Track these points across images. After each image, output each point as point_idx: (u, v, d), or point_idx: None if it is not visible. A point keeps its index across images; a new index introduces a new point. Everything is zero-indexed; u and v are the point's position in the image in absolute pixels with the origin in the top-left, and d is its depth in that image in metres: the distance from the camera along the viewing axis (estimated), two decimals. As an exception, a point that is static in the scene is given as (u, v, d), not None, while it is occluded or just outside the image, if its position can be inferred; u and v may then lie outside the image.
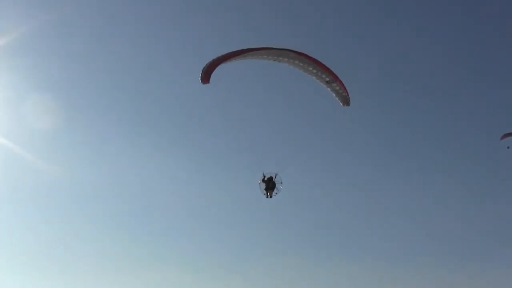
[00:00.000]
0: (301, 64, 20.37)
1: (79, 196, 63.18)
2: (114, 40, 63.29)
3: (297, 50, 20.06)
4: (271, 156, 22.44)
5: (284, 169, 22.08)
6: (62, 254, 59.80)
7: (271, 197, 21.99)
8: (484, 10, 64.41)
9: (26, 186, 61.88)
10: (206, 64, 19.90)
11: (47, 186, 61.43)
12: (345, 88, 21.14)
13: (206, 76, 19.78)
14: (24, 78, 58.88)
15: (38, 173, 57.61)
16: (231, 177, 62.91)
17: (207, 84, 20.19)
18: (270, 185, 21.93)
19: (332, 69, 20.65)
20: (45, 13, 50.47)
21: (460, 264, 57.47)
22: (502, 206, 60.21)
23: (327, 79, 20.87)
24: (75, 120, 63.95)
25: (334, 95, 21.53)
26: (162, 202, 65.63)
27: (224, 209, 62.73)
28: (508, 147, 46.58)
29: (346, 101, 21.59)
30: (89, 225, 62.70)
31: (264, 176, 21.96)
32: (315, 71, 20.57)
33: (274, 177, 21.98)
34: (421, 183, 62.89)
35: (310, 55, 20.20)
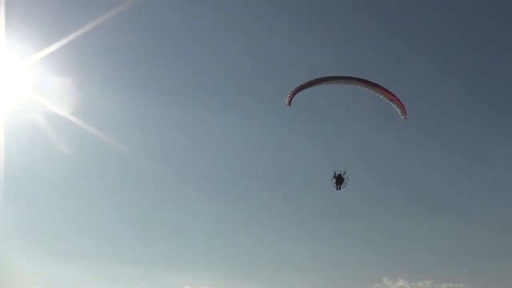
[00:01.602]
0: (370, 87, 25.59)
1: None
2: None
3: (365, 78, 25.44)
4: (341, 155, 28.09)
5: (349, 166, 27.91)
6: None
7: (339, 189, 27.91)
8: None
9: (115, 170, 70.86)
10: (292, 91, 25.64)
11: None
12: (403, 106, 26.20)
13: (289, 100, 25.74)
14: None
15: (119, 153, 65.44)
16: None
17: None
18: (339, 180, 27.78)
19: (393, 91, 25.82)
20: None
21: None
22: None
23: (389, 98, 26.01)
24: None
25: (396, 109, 26.64)
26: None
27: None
28: None
29: (404, 114, 26.67)
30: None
31: (335, 173, 27.79)
32: (380, 92, 25.78)
33: (342, 173, 27.77)
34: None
35: (377, 82, 25.45)
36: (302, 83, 25.51)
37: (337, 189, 27.90)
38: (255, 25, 71.90)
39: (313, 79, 25.35)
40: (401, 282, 64.55)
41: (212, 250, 69.39)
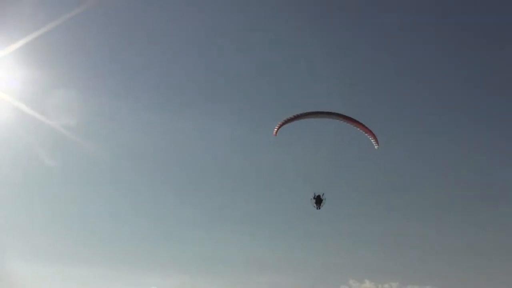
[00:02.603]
0: (349, 122, 29.06)
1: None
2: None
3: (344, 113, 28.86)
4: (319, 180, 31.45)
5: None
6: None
7: (319, 208, 31.38)
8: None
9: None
10: (279, 123, 28.72)
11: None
12: (375, 137, 29.82)
13: (276, 131, 28.89)
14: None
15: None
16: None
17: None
18: (318, 200, 31.23)
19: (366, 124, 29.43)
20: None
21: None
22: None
23: (364, 131, 29.54)
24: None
25: (371, 140, 30.21)
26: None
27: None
28: None
29: (377, 144, 30.29)
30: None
31: (314, 194, 31.22)
32: (356, 126, 29.27)
33: (321, 195, 31.22)
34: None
35: (354, 117, 28.88)
36: (289, 117, 28.67)
37: (317, 208, 31.35)
38: (235, 28, 74.53)
39: (299, 113, 28.54)
40: (367, 284, 66.76)
41: (182, 252, 71.07)
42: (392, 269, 69.22)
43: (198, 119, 75.76)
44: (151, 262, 67.66)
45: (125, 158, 72.73)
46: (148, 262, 67.69)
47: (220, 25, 74.84)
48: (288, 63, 76.79)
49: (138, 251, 68.16)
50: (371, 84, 79.13)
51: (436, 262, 69.35)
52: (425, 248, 71.58)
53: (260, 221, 76.13)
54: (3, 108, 55.77)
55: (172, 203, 74.30)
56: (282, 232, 73.55)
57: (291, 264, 70.69)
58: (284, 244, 72.38)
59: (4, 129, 59.24)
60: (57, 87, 62.18)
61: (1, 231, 61.50)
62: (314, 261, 70.97)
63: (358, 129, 29.54)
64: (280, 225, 74.55)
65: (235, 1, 71.07)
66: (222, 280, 68.57)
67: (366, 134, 29.89)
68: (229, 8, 71.45)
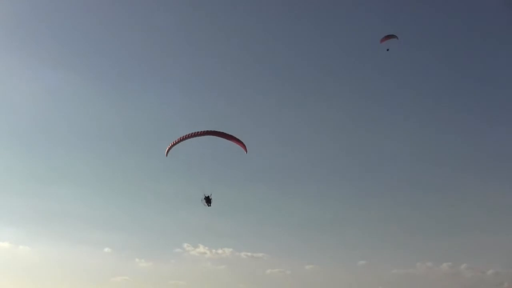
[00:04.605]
0: (222, 136, 37.96)
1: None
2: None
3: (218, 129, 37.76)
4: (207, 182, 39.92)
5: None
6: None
7: (210, 206, 39.92)
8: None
9: None
10: (169, 145, 36.88)
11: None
12: (244, 146, 39.03)
13: (167, 152, 36.96)
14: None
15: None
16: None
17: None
18: (207, 200, 39.83)
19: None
20: None
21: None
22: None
23: (235, 142, 38.72)
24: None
25: (241, 147, 39.36)
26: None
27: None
28: (387, 50, 55.24)
29: (245, 151, 39.57)
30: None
31: (204, 195, 39.75)
32: (229, 139, 38.35)
33: (210, 195, 39.84)
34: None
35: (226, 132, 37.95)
36: (175, 140, 36.95)
37: (208, 206, 39.85)
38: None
39: (183, 136, 36.87)
40: (201, 248, 73.49)
41: (18, 205, 75.50)
42: (226, 236, 75.32)
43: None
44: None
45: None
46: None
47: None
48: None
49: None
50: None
51: (269, 232, 77.74)
52: (260, 218, 78.87)
53: (103, 178, 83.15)
54: None
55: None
56: (124, 192, 76.65)
57: (128, 224, 74.39)
58: (123, 204, 75.72)
59: None
60: None
61: None
62: (150, 223, 75.01)
63: (230, 141, 38.57)
64: (123, 184, 77.75)
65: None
66: (57, 235, 74.04)
67: (236, 144, 39.03)
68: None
